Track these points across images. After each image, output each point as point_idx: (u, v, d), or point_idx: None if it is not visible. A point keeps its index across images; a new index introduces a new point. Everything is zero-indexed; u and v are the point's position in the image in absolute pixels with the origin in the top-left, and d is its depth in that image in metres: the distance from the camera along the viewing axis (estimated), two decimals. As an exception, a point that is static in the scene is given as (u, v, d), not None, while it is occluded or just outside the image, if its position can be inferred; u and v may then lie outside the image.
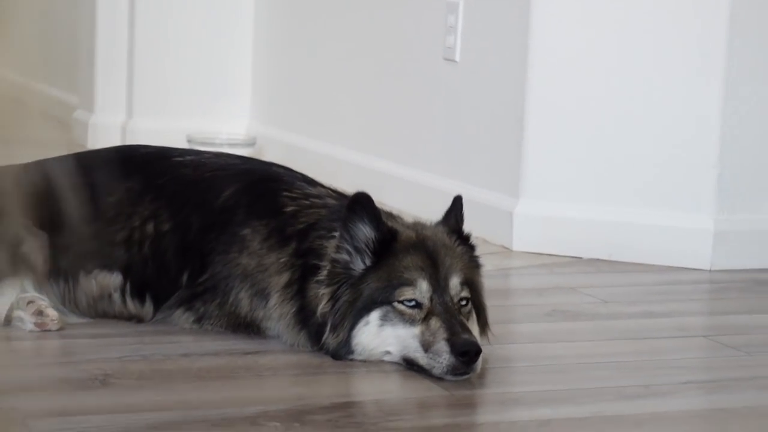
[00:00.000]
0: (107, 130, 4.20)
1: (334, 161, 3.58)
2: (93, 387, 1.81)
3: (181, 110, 4.25)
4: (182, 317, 2.13)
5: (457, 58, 3.21)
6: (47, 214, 2.15)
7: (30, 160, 2.46)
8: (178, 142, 3.45)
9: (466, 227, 2.09)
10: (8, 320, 2.05)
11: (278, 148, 3.89)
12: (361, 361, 1.95)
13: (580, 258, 2.84)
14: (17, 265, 2.08)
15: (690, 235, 2.82)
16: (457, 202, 2.10)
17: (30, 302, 2.07)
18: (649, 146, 2.88)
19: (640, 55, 2.91)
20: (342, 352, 1.96)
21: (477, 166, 3.09)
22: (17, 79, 6.10)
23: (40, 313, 2.06)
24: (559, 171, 2.92)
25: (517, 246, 2.89)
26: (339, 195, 2.13)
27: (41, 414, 1.66)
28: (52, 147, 2.76)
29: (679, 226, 2.83)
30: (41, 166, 2.32)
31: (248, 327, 2.09)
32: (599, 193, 2.89)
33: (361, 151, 3.63)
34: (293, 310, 2.03)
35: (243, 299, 2.08)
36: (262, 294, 2.07)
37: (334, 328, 1.96)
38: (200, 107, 4.29)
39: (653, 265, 2.79)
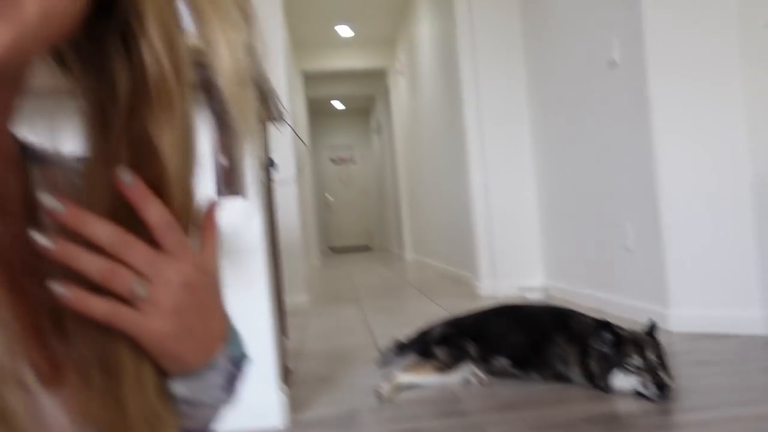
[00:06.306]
0: (486, 288, 4.13)
1: (576, 296, 3.35)
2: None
3: (516, 275, 4.11)
4: None
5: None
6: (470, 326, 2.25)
7: (455, 305, 2.40)
8: (513, 290, 3.40)
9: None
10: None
11: (558, 292, 3.72)
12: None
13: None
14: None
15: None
16: (654, 324, 2.01)
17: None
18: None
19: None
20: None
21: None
22: (440, 265, 5.88)
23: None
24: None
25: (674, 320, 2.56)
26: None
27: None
28: (462, 297, 2.67)
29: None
30: (484, 312, 2.37)
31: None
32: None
33: (591, 287, 3.25)
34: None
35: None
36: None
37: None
38: (525, 271, 4.07)
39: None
